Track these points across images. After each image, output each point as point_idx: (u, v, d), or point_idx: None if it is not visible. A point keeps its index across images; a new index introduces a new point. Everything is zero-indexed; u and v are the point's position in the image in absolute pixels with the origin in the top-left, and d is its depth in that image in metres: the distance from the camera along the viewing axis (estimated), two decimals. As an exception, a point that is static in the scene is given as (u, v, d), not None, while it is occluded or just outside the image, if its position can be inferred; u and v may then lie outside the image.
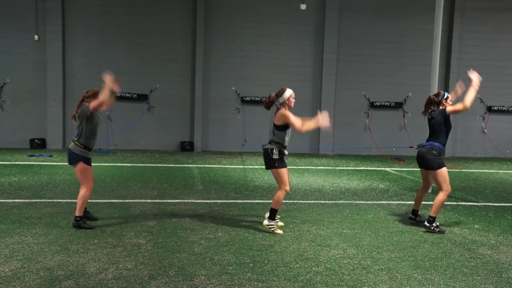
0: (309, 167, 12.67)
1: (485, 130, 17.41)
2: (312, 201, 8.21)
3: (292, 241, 5.70)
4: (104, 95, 5.86)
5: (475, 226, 6.67)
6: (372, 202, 8.31)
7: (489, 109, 17.34)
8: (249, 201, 8.10)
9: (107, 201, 7.71)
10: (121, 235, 5.74)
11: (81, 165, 5.91)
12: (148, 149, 16.43)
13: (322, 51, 16.85)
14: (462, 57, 16.88)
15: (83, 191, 5.96)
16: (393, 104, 17.21)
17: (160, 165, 12.49)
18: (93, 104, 5.88)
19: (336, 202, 8.22)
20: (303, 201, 8.18)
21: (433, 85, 9.38)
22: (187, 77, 16.57)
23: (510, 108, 17.32)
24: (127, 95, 16.19)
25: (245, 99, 16.69)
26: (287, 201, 8.14)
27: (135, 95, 16.25)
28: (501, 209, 7.93)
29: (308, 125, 5.81)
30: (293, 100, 6.11)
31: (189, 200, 7.96)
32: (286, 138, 5.95)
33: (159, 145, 16.55)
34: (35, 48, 15.73)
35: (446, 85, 17.09)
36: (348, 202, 8.23)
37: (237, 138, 16.87)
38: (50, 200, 7.60)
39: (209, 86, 16.65)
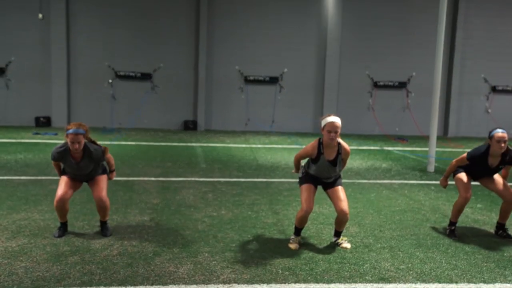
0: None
1: (489, 110, 17.28)
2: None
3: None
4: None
5: (478, 205, 6.67)
6: (374, 181, 8.30)
7: (494, 89, 17.18)
8: (252, 179, 8.10)
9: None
10: (125, 212, 5.76)
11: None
12: (152, 127, 16.39)
13: (325, 30, 16.64)
14: (467, 36, 16.66)
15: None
16: (396, 83, 17.07)
17: (163, 144, 12.47)
18: (109, 157, 5.07)
19: (338, 181, 8.19)
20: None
21: (438, 65, 9.27)
22: (190, 56, 16.41)
23: (515, 88, 17.20)
24: (131, 74, 16.07)
25: (248, 78, 16.55)
26: (290, 180, 8.14)
27: (139, 74, 16.13)
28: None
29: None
30: (331, 134, 4.57)
31: (193, 179, 7.96)
32: (313, 168, 4.77)
33: (163, 124, 16.49)
34: (39, 27, 15.61)
35: (450, 65, 16.92)
36: (351, 181, 8.22)
37: (240, 117, 16.80)
38: (55, 178, 7.63)
39: (212, 65, 16.51)
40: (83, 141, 4.66)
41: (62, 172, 4.96)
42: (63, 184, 4.78)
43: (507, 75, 17.17)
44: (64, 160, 4.75)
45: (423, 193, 7.37)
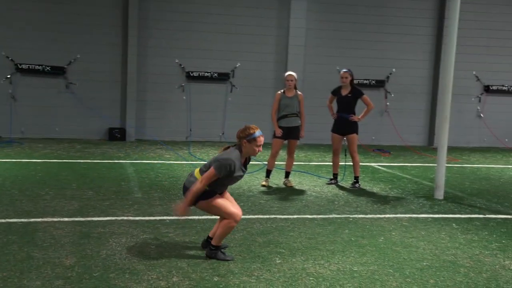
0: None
1: (481, 115, 16.79)
2: (294, 216, 6.96)
3: (286, 291, 4.41)
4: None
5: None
6: (374, 215, 7.15)
7: (487, 89, 16.71)
8: (210, 216, 6.72)
9: (2, 220, 6.13)
10: (20, 285, 4.25)
11: None
12: (66, 137, 14.77)
13: (288, 17, 15.63)
14: (460, 26, 16.03)
15: None
16: (373, 82, 16.29)
17: (82, 160, 10.89)
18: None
19: (326, 216, 7.00)
20: (282, 216, 6.90)
21: (450, 58, 8.31)
22: (117, 46, 14.99)
23: (511, 88, 16.75)
24: (37, 67, 14.47)
25: (191, 74, 15.34)
26: (262, 216, 6.83)
27: (48, 68, 14.52)
28: (544, 224, 6.97)
29: None
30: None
31: (125, 218, 6.51)
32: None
33: (80, 133, 14.94)
34: None
35: (437, 59, 16.32)
36: (343, 216, 7.03)
37: (182, 123, 15.53)
38: None
39: (145, 58, 15.17)
40: None
41: None
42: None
43: (503, 72, 16.76)
44: None
45: (447, 235, 6.26)
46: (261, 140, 5.14)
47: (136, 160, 11.19)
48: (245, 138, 5.11)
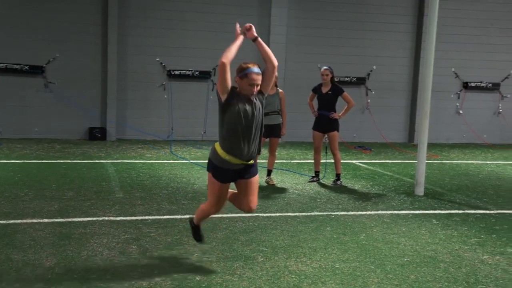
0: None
1: (460, 111, 16.95)
2: (276, 214, 6.98)
3: (269, 289, 4.42)
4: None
5: (508, 249, 5.69)
6: (355, 212, 7.19)
7: (465, 86, 16.87)
8: (192, 216, 6.67)
9: (-18, 223, 6.06)
10: (0, 289, 4.21)
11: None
12: (45, 137, 14.56)
13: (269, 15, 15.60)
14: (439, 23, 16.15)
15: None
16: (354, 79, 16.33)
17: (62, 161, 10.77)
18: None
19: (308, 214, 7.02)
20: (264, 214, 6.91)
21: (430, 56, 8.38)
22: (97, 44, 14.79)
23: (489, 85, 16.92)
24: (15, 66, 14.22)
25: (172, 73, 15.22)
26: (244, 214, 6.83)
27: (26, 67, 14.30)
28: (522, 219, 7.08)
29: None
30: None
31: (106, 218, 6.46)
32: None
33: (60, 133, 14.73)
34: None
35: (417, 57, 16.42)
36: (325, 213, 7.06)
37: (163, 122, 15.42)
38: None
39: (126, 56, 15.00)
40: None
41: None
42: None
43: (481, 69, 16.88)
44: None
45: (427, 231, 6.32)
46: (254, 78, 4.56)
47: (117, 160, 11.10)
48: (238, 74, 4.67)
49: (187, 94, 15.49)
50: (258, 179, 4.95)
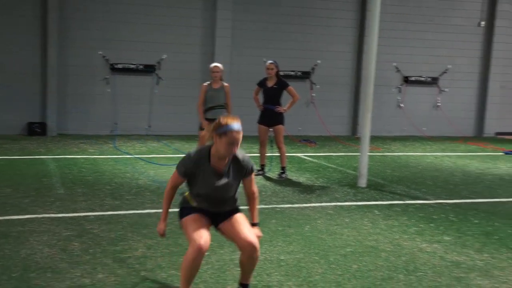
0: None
1: (401, 105, 17.39)
2: (222, 207, 6.96)
3: (215, 282, 4.41)
4: None
5: (445, 237, 5.90)
6: (300, 205, 7.28)
7: (406, 80, 17.32)
8: (136, 211, 6.64)
9: None
10: None
11: None
12: (-18, 133, 14.03)
13: (214, 8, 15.52)
14: (381, 19, 16.48)
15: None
16: (299, 73, 16.49)
17: None
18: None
19: (254, 207, 7.04)
20: (210, 208, 6.88)
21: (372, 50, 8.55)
22: (35, 35, 14.33)
23: (429, 79, 17.44)
24: (-51, 59, 13.61)
25: (115, 66, 14.93)
26: (171, 210, 6.78)
27: (-40, 60, 13.71)
28: (459, 208, 7.34)
29: None
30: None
31: (46, 215, 6.29)
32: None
33: (-3, 128, 14.22)
34: None
35: (360, 51, 16.70)
36: (271, 206, 7.12)
37: (106, 117, 15.10)
38: None
39: (67, 49, 14.59)
40: None
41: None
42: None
43: (420, 64, 17.35)
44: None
45: (369, 221, 6.47)
46: (234, 137, 3.78)
47: (58, 156, 10.81)
48: (215, 131, 3.85)
49: (131, 88, 15.23)
50: (242, 215, 4.13)
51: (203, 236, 3.82)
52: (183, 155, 4.05)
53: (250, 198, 4.14)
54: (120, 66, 14.96)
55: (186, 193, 4.17)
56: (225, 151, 3.83)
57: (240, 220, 4.03)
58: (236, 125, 3.80)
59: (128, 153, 11.28)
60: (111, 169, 9.46)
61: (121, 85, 15.12)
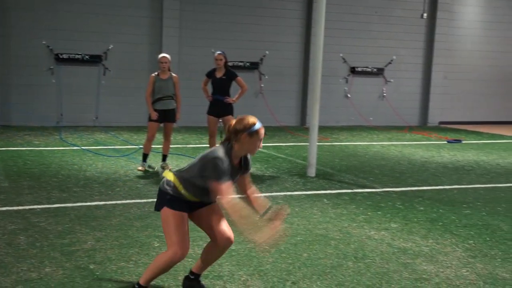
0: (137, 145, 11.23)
1: (348, 95, 17.66)
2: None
3: (166, 273, 4.38)
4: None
5: (392, 225, 6.04)
6: (250, 194, 7.29)
7: (353, 71, 17.59)
8: (84, 203, 6.50)
9: None
10: None
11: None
12: None
13: (161, 1, 15.33)
14: (327, 10, 16.68)
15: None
16: (247, 64, 16.50)
17: None
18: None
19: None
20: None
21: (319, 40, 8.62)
22: (-25, 24, 13.79)
23: (374, 70, 17.77)
24: None
25: (61, 57, 14.54)
26: (139, 200, 6.71)
27: None
28: (405, 196, 7.54)
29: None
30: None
31: (-10, 209, 6.09)
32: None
33: None
34: None
35: (307, 42, 16.85)
36: (221, 197, 7.10)
37: (51, 108, 14.71)
38: None
39: (9, 37, 14.11)
40: None
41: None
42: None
43: (366, 54, 17.67)
44: None
45: (319, 210, 6.57)
46: (263, 133, 3.95)
47: (1, 148, 10.45)
48: (245, 131, 3.86)
49: (77, 78, 14.87)
50: (219, 206, 4.06)
51: (187, 246, 3.84)
52: (209, 163, 3.74)
53: (252, 190, 4.16)
54: (65, 56, 14.57)
55: (174, 178, 3.90)
56: (254, 149, 3.90)
57: (219, 212, 4.04)
58: (259, 122, 3.92)
59: (75, 145, 11.02)
60: (58, 161, 9.23)
61: (67, 76, 14.74)
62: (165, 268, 3.85)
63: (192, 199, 3.89)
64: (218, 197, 3.81)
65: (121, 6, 15.08)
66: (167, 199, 3.88)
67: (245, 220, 3.81)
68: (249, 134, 3.84)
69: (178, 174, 3.93)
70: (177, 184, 3.87)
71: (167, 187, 3.91)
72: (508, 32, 19.15)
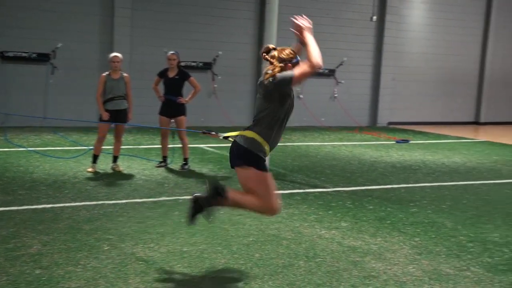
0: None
1: (301, 96, 17.80)
2: (123, 201, 6.81)
3: (116, 277, 4.29)
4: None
5: (342, 224, 6.11)
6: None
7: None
8: (30, 206, 6.30)
9: None
10: None
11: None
12: None
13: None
14: (281, 11, 16.77)
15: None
16: (200, 64, 16.42)
17: None
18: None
19: (156, 199, 6.96)
20: (110, 202, 6.70)
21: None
22: None
23: (326, 71, 17.96)
24: None
25: (6, 55, 14.11)
26: (88, 202, 6.56)
27: None
28: (355, 195, 7.64)
29: None
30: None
31: None
32: None
33: None
34: None
35: (260, 43, 16.84)
36: (173, 198, 7.06)
37: (-4, 108, 14.24)
38: None
39: (-50, 35, 13.58)
40: None
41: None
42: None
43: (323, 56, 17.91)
44: None
45: (271, 210, 6.56)
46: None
47: None
48: (290, 61, 4.34)
49: (23, 77, 14.45)
50: None
51: (278, 202, 4.48)
52: (271, 83, 4.27)
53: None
54: (11, 54, 14.15)
55: (252, 133, 4.21)
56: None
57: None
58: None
59: (21, 146, 10.68)
60: (2, 162, 8.92)
61: (13, 74, 14.31)
62: (256, 211, 4.46)
63: (267, 154, 4.29)
64: (304, 72, 4.17)
65: (70, 3, 14.73)
66: (257, 158, 4.17)
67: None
68: (293, 64, 4.32)
69: (257, 129, 4.22)
70: (261, 141, 4.19)
71: (252, 146, 4.16)
72: (452, 35, 19.75)
